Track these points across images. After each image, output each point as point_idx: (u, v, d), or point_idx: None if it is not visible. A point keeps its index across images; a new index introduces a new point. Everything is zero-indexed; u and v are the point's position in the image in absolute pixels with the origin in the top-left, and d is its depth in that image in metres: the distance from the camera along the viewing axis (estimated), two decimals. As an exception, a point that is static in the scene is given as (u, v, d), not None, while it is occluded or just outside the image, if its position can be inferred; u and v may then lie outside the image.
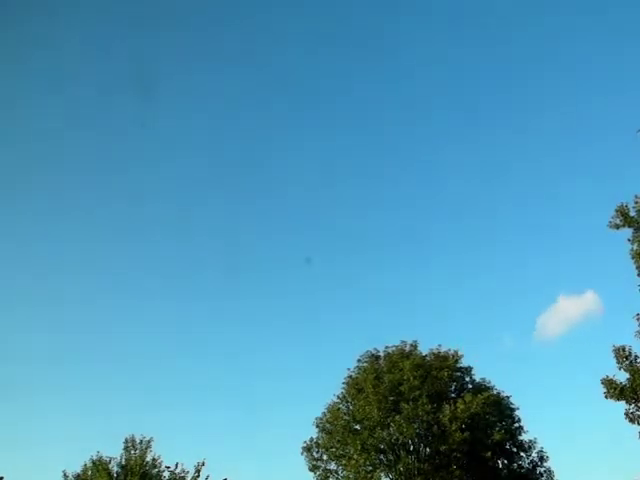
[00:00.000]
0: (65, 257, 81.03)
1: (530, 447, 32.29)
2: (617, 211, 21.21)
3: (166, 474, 25.82)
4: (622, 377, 20.35)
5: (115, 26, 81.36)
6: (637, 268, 20.77)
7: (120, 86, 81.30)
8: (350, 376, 33.39)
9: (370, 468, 30.75)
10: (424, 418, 29.97)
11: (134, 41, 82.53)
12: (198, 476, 25.00)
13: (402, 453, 30.47)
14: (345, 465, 31.03)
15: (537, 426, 34.07)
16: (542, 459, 32.11)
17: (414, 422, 30.00)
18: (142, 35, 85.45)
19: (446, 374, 31.88)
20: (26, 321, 73.28)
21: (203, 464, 25.03)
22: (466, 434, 29.43)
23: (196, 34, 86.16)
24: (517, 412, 32.88)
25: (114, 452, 26.28)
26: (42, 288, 77.43)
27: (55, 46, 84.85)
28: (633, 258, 20.82)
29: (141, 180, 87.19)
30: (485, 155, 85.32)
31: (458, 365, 33.18)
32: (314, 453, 32.45)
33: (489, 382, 33.21)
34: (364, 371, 32.89)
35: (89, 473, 25.91)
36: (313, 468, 32.20)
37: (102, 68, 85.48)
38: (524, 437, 32.48)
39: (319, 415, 32.93)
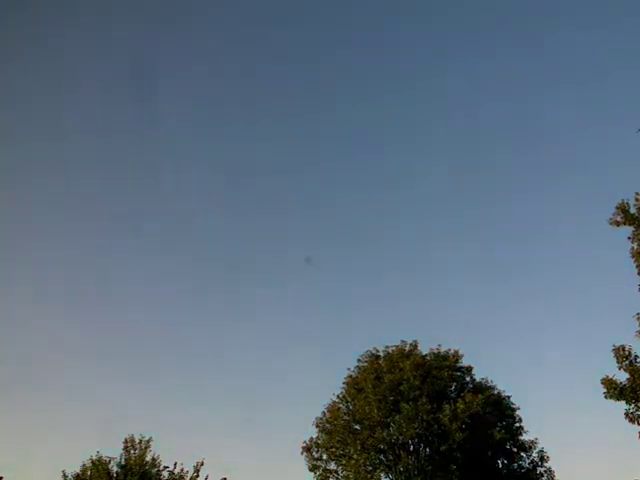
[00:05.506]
0: (68, 258, 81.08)
1: (531, 447, 32.09)
2: (617, 208, 21.08)
3: (165, 474, 25.82)
4: (622, 377, 20.28)
5: (115, 26, 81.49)
6: (637, 267, 20.65)
7: (120, 86, 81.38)
8: (350, 376, 33.31)
9: (370, 468, 30.67)
10: (424, 418, 29.88)
11: (134, 41, 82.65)
12: (197, 476, 25.03)
13: (402, 453, 30.37)
14: (345, 465, 30.96)
15: (538, 426, 33.86)
16: (542, 459, 31.91)
17: (414, 422, 29.90)
18: (142, 35, 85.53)
19: (446, 374, 31.79)
20: (25, 319, 73.30)
21: (202, 464, 25.07)
22: (466, 434, 29.35)
23: (196, 34, 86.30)
24: (518, 412, 32.84)
25: (114, 452, 26.32)
26: (40, 285, 77.45)
27: (55, 46, 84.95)
28: (633, 257, 20.68)
29: (140, 182, 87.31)
30: (483, 152, 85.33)
31: (458, 365, 33.12)
32: (314, 453, 32.35)
33: (489, 382, 33.19)
34: (364, 371, 32.80)
35: (89, 473, 25.87)
36: (313, 468, 32.10)
37: (102, 68, 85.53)
38: (525, 437, 32.38)
39: (319, 415, 32.91)
